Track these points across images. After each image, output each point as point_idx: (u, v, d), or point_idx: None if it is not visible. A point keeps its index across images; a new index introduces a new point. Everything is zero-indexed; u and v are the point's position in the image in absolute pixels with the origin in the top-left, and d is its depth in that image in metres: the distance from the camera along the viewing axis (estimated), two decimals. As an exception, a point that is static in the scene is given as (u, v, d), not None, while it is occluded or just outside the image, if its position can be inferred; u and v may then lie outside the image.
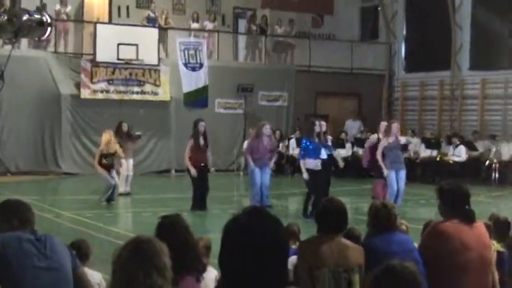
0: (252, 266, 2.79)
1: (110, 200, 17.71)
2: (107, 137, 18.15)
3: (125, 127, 19.27)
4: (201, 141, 16.96)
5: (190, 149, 16.94)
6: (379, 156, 16.31)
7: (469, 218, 5.85)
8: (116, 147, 18.21)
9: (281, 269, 2.88)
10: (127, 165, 19.27)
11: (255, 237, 2.81)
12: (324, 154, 16.13)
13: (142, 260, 3.47)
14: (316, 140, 15.94)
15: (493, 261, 6.28)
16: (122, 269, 3.49)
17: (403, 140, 17.52)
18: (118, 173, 18.64)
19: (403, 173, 16.26)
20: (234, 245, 2.85)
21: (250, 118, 25.79)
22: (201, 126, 17.05)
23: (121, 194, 18.84)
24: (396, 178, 16.11)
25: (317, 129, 15.96)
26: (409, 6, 29.91)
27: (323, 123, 16.66)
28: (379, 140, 17.44)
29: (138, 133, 20.23)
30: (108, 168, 17.88)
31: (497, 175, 23.66)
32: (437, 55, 28.10)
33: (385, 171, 16.12)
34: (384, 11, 30.59)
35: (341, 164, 19.69)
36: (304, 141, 16.31)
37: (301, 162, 16.14)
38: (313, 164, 15.81)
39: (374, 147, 17.51)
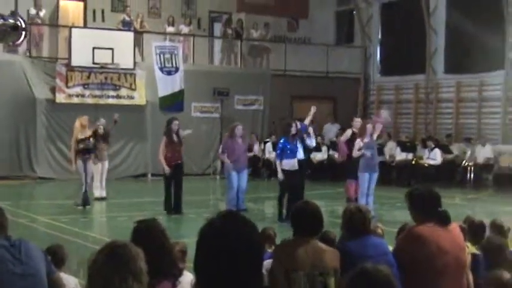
0: (226, 270, 2.79)
1: (85, 204, 17.60)
2: (82, 121, 18.05)
3: (100, 129, 19.12)
4: (175, 138, 16.84)
5: (165, 146, 16.86)
6: (355, 155, 16.38)
7: (443, 220, 5.88)
8: (93, 128, 18.12)
9: (256, 273, 2.88)
10: (102, 168, 19.15)
11: (230, 241, 2.81)
12: (301, 154, 16.10)
13: (118, 264, 3.46)
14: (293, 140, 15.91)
15: (468, 264, 6.31)
16: (97, 274, 3.49)
17: (385, 117, 17.60)
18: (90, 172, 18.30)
19: (375, 176, 16.38)
20: (208, 249, 2.85)
21: (227, 122, 25.68)
22: (175, 125, 16.88)
23: (96, 199, 18.78)
24: (368, 179, 16.23)
25: (293, 130, 15.84)
26: (384, 10, 30.02)
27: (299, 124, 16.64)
28: (353, 134, 17.53)
29: (115, 117, 19.07)
30: (85, 153, 17.74)
31: (472, 178, 23.83)
32: (413, 59, 28.22)
33: (365, 153, 16.11)
34: (359, 15, 30.70)
35: None
36: (282, 141, 16.08)
37: (278, 162, 16.11)
38: (290, 164, 15.72)
39: (349, 142, 17.65)
